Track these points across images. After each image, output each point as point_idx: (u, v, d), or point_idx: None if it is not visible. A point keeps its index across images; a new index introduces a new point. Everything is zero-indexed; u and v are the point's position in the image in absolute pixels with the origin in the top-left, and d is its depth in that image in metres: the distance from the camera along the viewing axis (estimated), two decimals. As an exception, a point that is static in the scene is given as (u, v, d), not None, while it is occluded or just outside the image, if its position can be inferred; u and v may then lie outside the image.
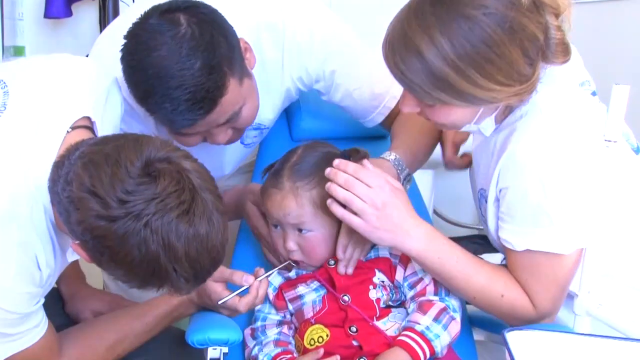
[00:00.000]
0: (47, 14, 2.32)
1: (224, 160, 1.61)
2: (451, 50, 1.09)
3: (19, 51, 2.31)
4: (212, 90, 1.20)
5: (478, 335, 1.49)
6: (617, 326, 1.11)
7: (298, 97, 1.59)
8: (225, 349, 1.25)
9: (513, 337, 0.91)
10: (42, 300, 1.17)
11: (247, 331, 1.37)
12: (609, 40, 2.33)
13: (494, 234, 1.28)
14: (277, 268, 1.37)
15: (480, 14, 1.08)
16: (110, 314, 1.39)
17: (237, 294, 1.29)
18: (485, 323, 1.46)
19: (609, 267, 1.22)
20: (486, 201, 1.27)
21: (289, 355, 1.30)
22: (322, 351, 1.27)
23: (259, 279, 1.30)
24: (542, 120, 1.18)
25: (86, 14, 2.40)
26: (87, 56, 1.42)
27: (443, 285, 1.31)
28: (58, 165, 1.05)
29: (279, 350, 1.31)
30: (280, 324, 1.36)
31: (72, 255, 1.17)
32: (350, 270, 1.33)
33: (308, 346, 1.30)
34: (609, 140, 1.10)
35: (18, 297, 1.10)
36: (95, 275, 1.59)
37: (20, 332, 1.14)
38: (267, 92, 1.46)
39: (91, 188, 0.97)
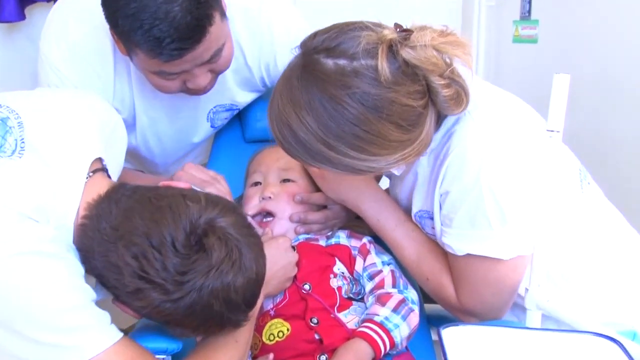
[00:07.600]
0: (-1, 19, 2.27)
1: (192, 141, 1.65)
2: (318, 128, 1.07)
3: (-27, 57, 2.27)
4: (202, 18, 1.22)
5: (436, 335, 1.47)
6: (566, 318, 1.10)
7: (260, 94, 1.60)
8: (165, 357, 1.21)
9: (448, 333, 0.89)
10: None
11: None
12: (571, 31, 2.33)
13: (440, 241, 1.26)
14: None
15: (344, 94, 1.05)
16: None
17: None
18: (443, 322, 1.43)
19: (551, 270, 1.20)
20: (431, 218, 1.25)
21: (243, 358, 1.26)
22: (271, 356, 1.24)
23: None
24: (475, 125, 1.15)
25: (41, 17, 2.34)
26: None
27: (401, 278, 1.32)
28: (85, 230, 1.07)
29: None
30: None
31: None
32: (301, 229, 1.39)
33: (267, 342, 1.27)
34: (552, 130, 1.08)
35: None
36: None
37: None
38: (235, 71, 1.49)
39: (146, 276, 1.01)
